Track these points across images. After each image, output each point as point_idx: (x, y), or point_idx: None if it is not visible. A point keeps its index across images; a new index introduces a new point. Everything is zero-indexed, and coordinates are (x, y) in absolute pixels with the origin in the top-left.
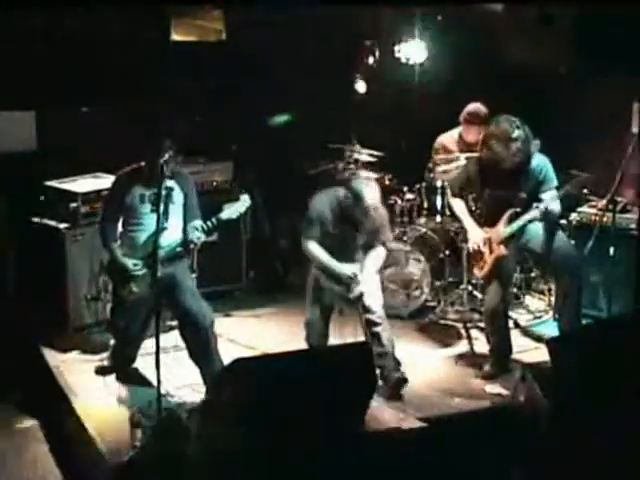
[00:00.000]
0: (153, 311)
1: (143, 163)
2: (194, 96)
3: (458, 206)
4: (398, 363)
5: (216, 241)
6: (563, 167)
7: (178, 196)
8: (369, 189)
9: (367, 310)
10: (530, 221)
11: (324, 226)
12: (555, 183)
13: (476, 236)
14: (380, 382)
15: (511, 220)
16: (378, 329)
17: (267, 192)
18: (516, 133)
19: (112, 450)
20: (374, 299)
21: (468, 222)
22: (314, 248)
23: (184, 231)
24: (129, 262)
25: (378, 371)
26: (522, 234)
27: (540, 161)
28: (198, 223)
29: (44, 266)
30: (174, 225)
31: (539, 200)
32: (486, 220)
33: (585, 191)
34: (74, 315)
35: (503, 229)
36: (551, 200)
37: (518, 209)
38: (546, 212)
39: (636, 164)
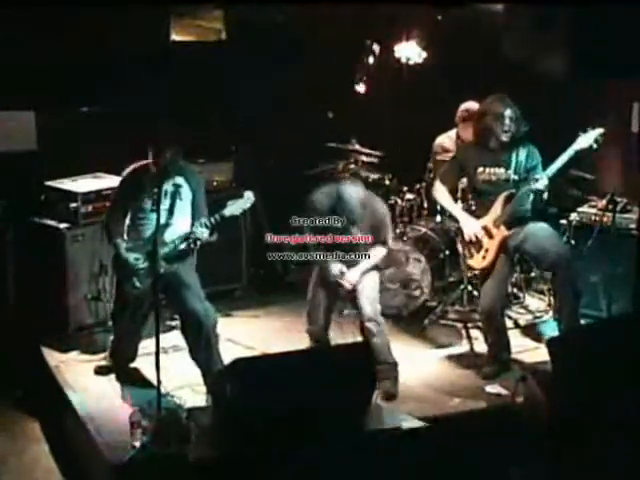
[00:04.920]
0: (153, 306)
1: (149, 160)
2: (193, 96)
3: (442, 193)
4: (394, 367)
5: (216, 241)
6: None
7: (186, 193)
8: (350, 189)
9: (360, 312)
10: (522, 206)
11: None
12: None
13: (472, 226)
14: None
15: (507, 201)
16: (370, 333)
17: (267, 192)
18: (508, 111)
19: (112, 450)
20: (369, 301)
21: (459, 212)
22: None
23: (191, 228)
24: (131, 256)
25: None
26: (515, 234)
27: (532, 151)
28: (203, 220)
29: (44, 266)
30: (180, 222)
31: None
32: (478, 208)
33: (576, 192)
34: (74, 315)
35: (501, 209)
36: (541, 178)
37: (513, 190)
38: (536, 186)
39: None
